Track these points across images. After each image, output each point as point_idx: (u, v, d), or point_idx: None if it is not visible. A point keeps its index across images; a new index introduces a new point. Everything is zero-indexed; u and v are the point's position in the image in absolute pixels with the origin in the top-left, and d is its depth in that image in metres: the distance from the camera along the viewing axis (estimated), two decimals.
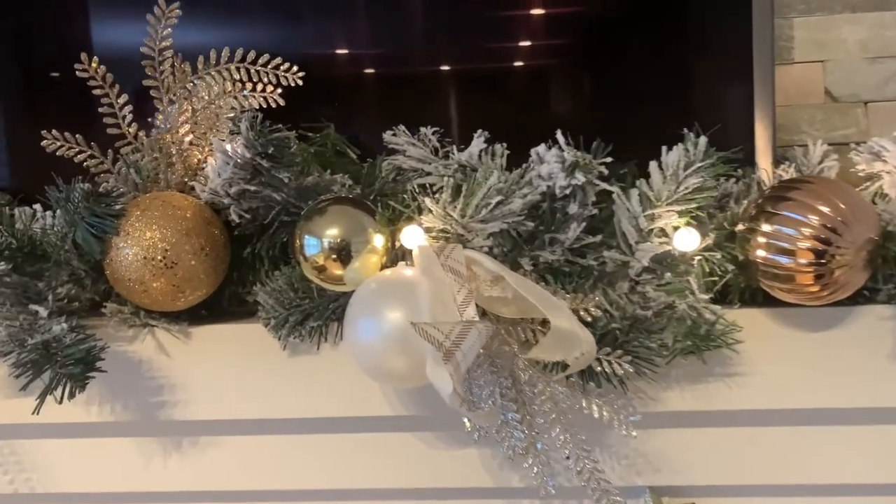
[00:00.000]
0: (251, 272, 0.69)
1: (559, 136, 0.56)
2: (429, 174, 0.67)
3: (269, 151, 0.55)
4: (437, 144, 0.69)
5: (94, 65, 0.60)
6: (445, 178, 0.59)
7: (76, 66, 0.60)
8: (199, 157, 0.65)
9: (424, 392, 0.66)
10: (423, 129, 0.69)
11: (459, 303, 0.51)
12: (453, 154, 0.65)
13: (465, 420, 0.62)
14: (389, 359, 0.55)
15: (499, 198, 0.55)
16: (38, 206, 0.71)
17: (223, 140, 0.58)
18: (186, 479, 0.72)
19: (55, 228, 0.64)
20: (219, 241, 0.64)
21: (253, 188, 0.57)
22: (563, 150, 0.55)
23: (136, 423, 0.70)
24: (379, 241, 0.57)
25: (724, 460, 0.66)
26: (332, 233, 0.56)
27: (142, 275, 0.60)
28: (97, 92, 0.62)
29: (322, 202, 0.58)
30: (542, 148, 0.57)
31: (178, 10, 0.61)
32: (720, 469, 0.67)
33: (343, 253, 0.57)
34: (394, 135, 0.70)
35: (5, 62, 0.82)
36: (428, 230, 0.57)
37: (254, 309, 0.70)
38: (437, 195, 0.59)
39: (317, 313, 0.64)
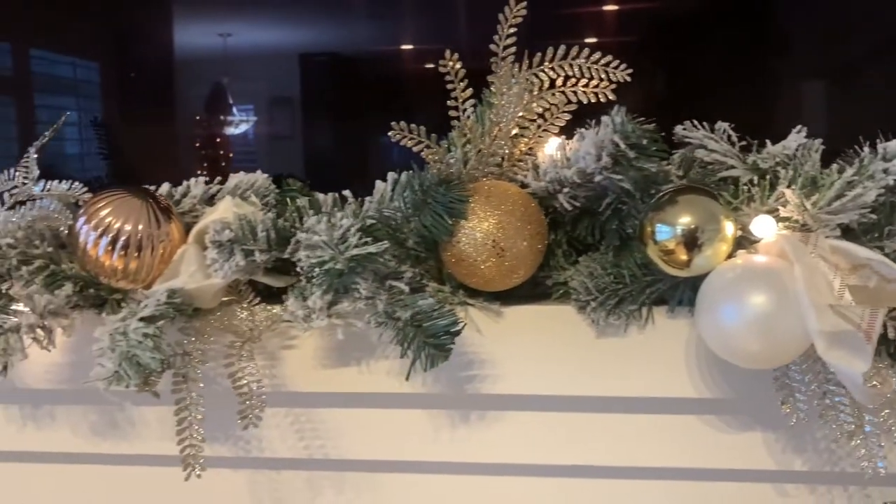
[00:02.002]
0: (551, 257, 0.73)
1: None
2: (732, 167, 0.70)
3: (643, 143, 0.59)
4: (735, 138, 0.72)
5: (452, 62, 0.64)
6: (789, 171, 0.62)
7: (440, 62, 0.65)
8: (523, 147, 0.69)
9: (729, 376, 0.70)
10: (719, 124, 0.73)
11: (836, 289, 0.54)
12: (767, 148, 0.69)
13: (783, 404, 0.65)
14: (749, 341, 0.58)
15: (857, 190, 0.58)
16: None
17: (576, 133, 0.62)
18: (472, 451, 0.77)
19: (391, 212, 0.69)
20: (543, 227, 0.68)
21: (615, 177, 0.61)
22: None
23: (434, 396, 0.75)
24: (730, 229, 0.60)
25: None
26: (685, 220, 0.60)
27: (484, 256, 0.65)
28: (449, 87, 0.67)
29: (671, 191, 0.61)
30: (893, 144, 0.59)
31: (524, 10, 0.65)
32: None
33: (692, 240, 0.60)
34: (684, 129, 0.74)
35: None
36: (784, 220, 0.60)
37: (546, 291, 0.74)
38: (792, 187, 0.62)
39: (630, 298, 0.68)
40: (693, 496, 0.75)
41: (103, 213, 0.69)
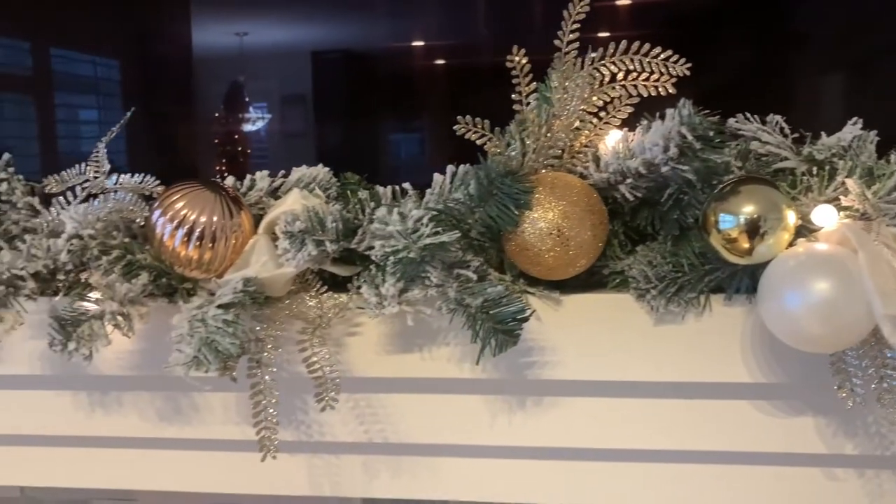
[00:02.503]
0: (608, 247, 0.75)
1: None
2: (786, 158, 0.72)
3: (709, 134, 0.61)
4: (788, 131, 0.74)
5: (518, 57, 0.67)
6: (847, 162, 0.64)
7: (508, 57, 0.67)
8: (583, 140, 0.71)
9: (783, 361, 0.72)
10: (772, 117, 0.75)
11: None
12: (821, 140, 0.70)
13: (839, 388, 0.67)
14: (812, 326, 0.60)
15: None
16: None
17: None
18: (530, 435, 0.79)
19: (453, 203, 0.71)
20: (605, 217, 0.70)
21: (682, 167, 0.63)
22: None
23: (493, 381, 0.77)
24: (791, 218, 0.62)
25: None
26: (749, 210, 0.62)
27: (549, 245, 0.67)
28: (515, 81, 0.69)
29: (734, 181, 0.63)
30: None
31: (587, 6, 0.67)
32: None
33: (755, 228, 0.62)
34: (736, 121, 0.76)
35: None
36: (844, 209, 0.62)
37: (602, 280, 0.76)
38: (852, 177, 0.64)
39: (689, 286, 0.70)
40: (744, 479, 0.77)
41: (178, 205, 0.71)
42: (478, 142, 0.70)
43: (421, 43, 1.00)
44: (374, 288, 0.66)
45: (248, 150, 1.11)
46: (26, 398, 0.87)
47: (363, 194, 0.78)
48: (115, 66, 1.11)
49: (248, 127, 1.08)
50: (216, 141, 1.09)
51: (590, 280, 0.76)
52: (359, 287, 0.74)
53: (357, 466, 0.85)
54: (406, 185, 0.78)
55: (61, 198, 0.81)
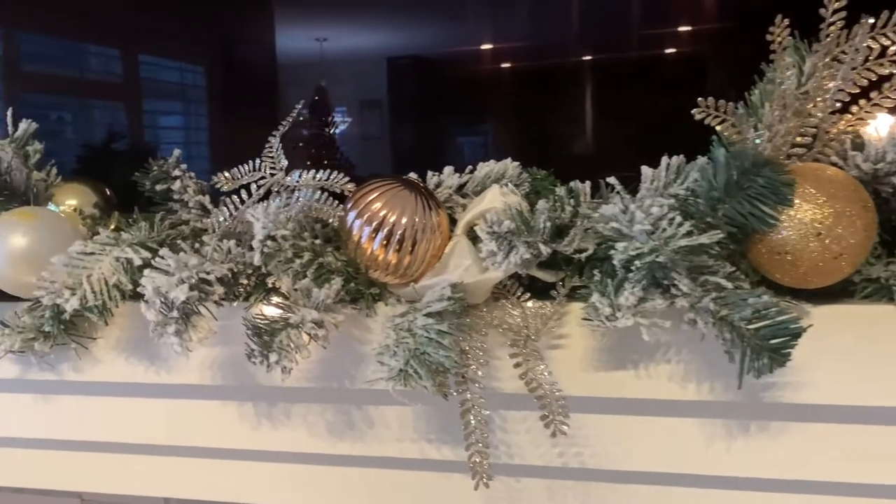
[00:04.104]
0: None
1: None
2: None
3: None
4: None
5: (779, 30, 0.57)
6: None
7: (770, 29, 0.58)
8: (843, 125, 0.61)
9: None
10: None
11: None
12: None
13: None
14: None
15: None
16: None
17: None
18: (751, 465, 0.69)
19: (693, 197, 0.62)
20: (875, 217, 0.60)
21: None
22: None
23: (715, 403, 0.68)
24: None
25: None
26: None
27: (811, 249, 0.58)
28: (774, 56, 0.60)
29: None
30: None
31: None
32: None
33: None
34: None
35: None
36: None
37: (847, 288, 0.66)
38: None
39: None
40: None
41: (376, 206, 0.65)
42: (717, 127, 0.61)
43: (492, 46, 0.97)
44: (606, 297, 0.57)
45: (332, 154, 1.08)
46: (191, 408, 0.83)
47: (560, 191, 0.70)
48: (200, 72, 1.12)
49: (331, 130, 1.06)
50: (300, 144, 1.07)
51: (830, 288, 0.66)
52: (569, 295, 0.66)
53: (540, 491, 0.77)
54: (611, 179, 0.70)
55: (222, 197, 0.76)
